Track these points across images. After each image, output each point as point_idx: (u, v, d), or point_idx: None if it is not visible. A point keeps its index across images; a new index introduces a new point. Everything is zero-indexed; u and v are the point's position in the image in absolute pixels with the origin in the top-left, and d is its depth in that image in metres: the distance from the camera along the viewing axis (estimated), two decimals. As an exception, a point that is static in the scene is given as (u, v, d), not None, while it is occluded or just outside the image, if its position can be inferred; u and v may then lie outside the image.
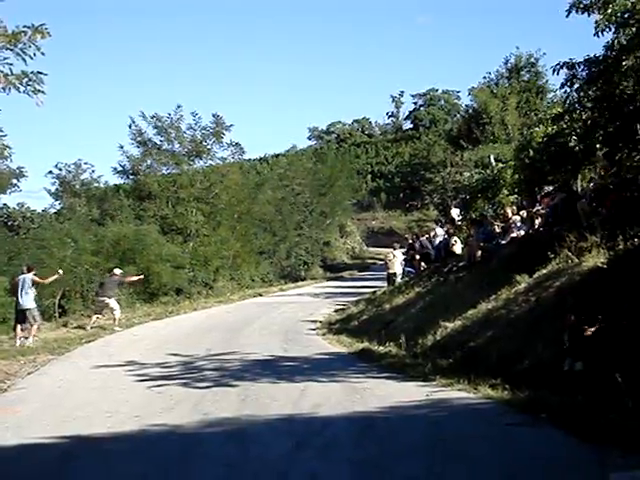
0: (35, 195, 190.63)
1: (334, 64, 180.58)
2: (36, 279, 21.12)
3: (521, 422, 9.15)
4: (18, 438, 9.80)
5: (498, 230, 20.54)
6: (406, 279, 26.59)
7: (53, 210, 57.67)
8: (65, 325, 25.07)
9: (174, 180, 42.97)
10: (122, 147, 43.67)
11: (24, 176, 65.40)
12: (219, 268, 40.86)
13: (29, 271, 21.05)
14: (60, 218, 43.80)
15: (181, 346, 19.50)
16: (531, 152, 19.98)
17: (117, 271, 26.45)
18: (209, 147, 44.13)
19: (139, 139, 43.56)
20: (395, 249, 30.42)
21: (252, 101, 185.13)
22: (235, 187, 45.55)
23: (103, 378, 14.92)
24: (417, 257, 26.83)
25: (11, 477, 8.13)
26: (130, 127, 43.21)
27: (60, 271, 23.34)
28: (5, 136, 10.02)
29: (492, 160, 29.04)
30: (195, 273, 38.30)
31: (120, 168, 44.36)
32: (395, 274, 29.54)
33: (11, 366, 16.61)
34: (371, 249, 70.26)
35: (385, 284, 29.98)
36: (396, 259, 29.69)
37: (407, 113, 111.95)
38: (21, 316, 20.69)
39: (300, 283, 49.27)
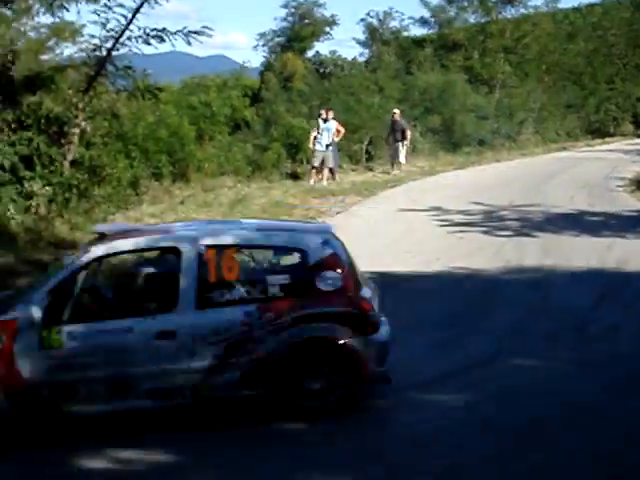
0: (346, 44, 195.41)
1: None
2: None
3: None
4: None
5: None
6: None
7: (362, 59, 58.55)
8: (371, 169, 25.91)
9: (483, 29, 42.16)
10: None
11: (336, 24, 66.77)
12: (524, 121, 39.95)
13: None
14: (369, 67, 44.54)
15: (483, 195, 19.54)
16: None
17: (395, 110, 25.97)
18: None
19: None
20: None
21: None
22: (546, 37, 43.87)
23: (407, 220, 15.44)
24: None
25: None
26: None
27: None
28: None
29: None
30: (499, 125, 37.76)
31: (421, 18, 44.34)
32: None
33: (323, 204, 17.67)
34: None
35: None
36: None
37: None
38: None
39: (608, 139, 47.10)
